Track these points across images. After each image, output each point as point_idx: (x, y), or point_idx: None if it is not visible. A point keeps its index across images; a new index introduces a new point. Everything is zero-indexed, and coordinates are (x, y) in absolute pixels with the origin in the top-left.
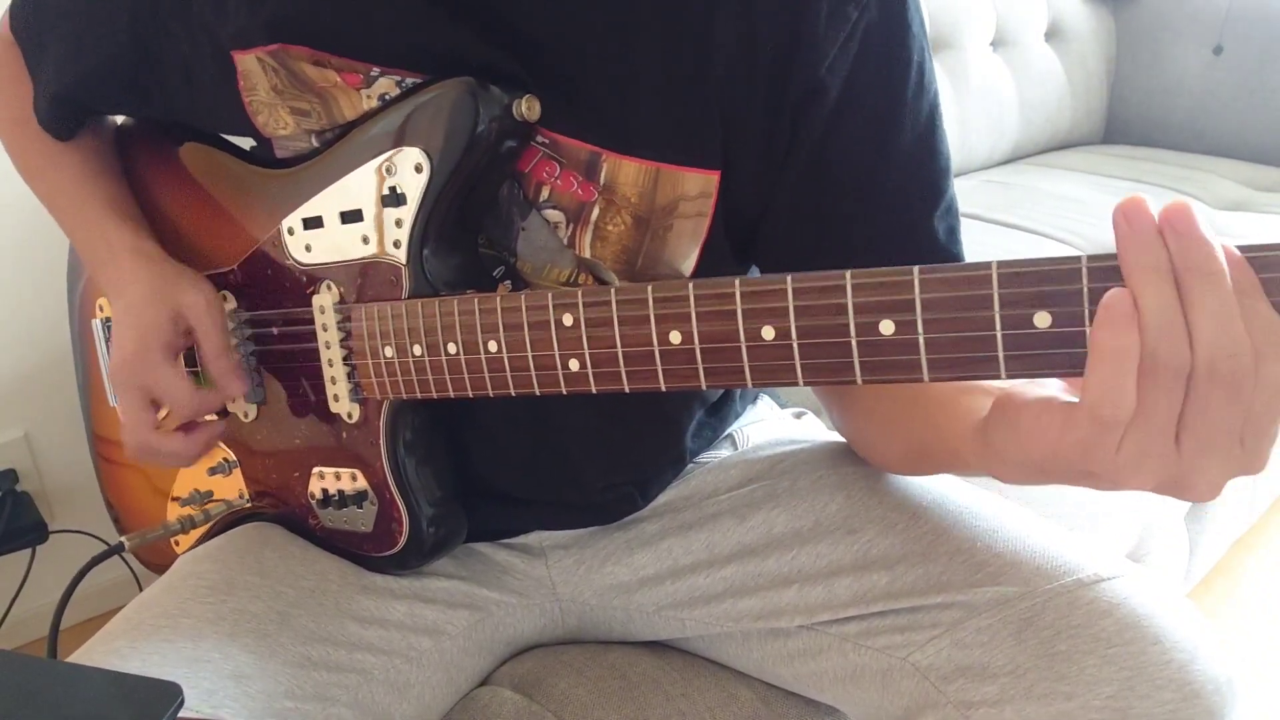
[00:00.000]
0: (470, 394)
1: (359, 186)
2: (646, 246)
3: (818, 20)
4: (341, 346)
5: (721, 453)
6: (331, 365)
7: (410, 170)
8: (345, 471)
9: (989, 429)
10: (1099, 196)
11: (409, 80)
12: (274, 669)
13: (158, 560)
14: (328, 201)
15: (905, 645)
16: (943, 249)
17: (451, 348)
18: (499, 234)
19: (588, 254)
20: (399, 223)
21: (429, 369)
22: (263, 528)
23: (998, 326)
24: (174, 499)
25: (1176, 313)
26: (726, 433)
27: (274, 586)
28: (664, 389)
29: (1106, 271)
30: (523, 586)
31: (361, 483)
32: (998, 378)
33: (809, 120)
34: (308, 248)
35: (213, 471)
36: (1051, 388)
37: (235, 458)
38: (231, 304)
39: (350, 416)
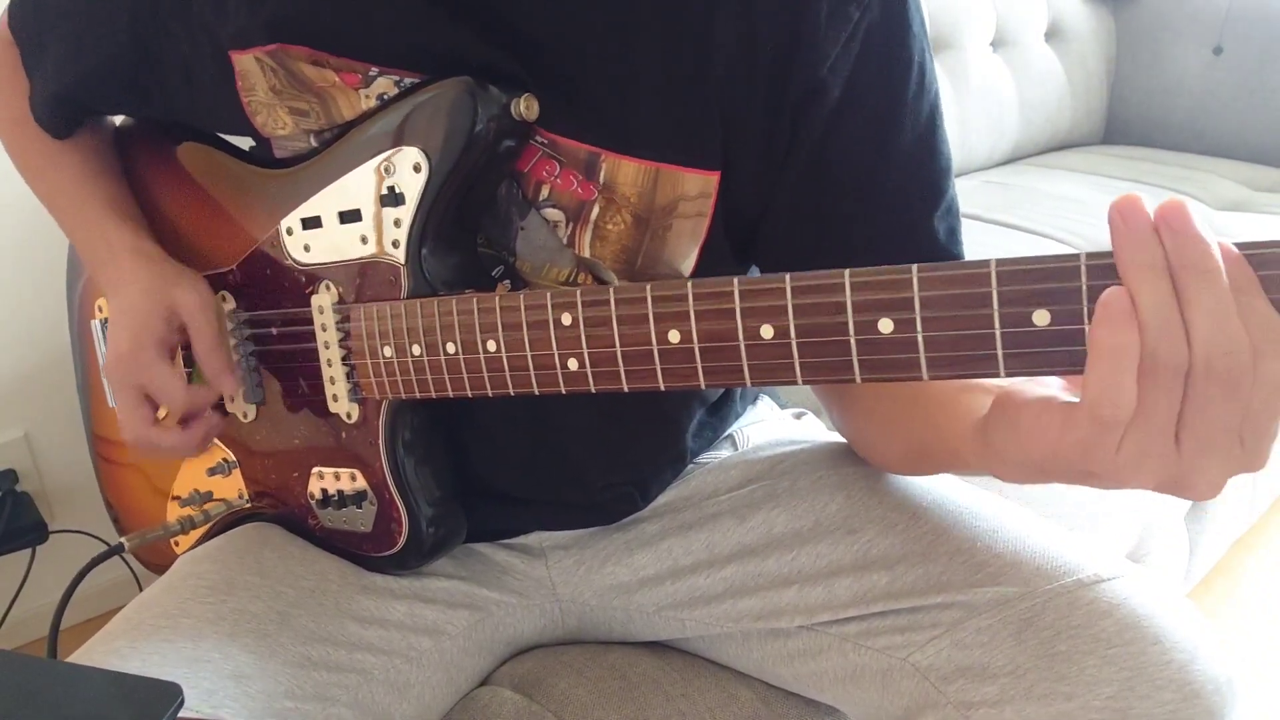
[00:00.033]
0: (469, 394)
1: (357, 186)
2: (646, 246)
3: (818, 20)
4: (340, 346)
5: (721, 453)
6: (330, 365)
7: (409, 170)
8: (344, 471)
9: (989, 428)
10: (1099, 197)
11: (407, 80)
12: (274, 669)
13: (158, 560)
14: (326, 201)
15: (905, 645)
16: (943, 249)
17: (450, 347)
18: (498, 233)
19: (587, 253)
20: (398, 222)
21: (428, 369)
22: (262, 528)
23: (997, 325)
24: (174, 499)
25: (1174, 310)
26: (726, 433)
27: (274, 586)
28: (663, 388)
29: (1105, 269)
30: (523, 587)
31: (361, 483)
32: (997, 376)
33: (809, 120)
34: (306, 248)
35: (212, 472)
36: (1051, 386)
37: (235, 458)
38: (230, 304)
39: (349, 416)
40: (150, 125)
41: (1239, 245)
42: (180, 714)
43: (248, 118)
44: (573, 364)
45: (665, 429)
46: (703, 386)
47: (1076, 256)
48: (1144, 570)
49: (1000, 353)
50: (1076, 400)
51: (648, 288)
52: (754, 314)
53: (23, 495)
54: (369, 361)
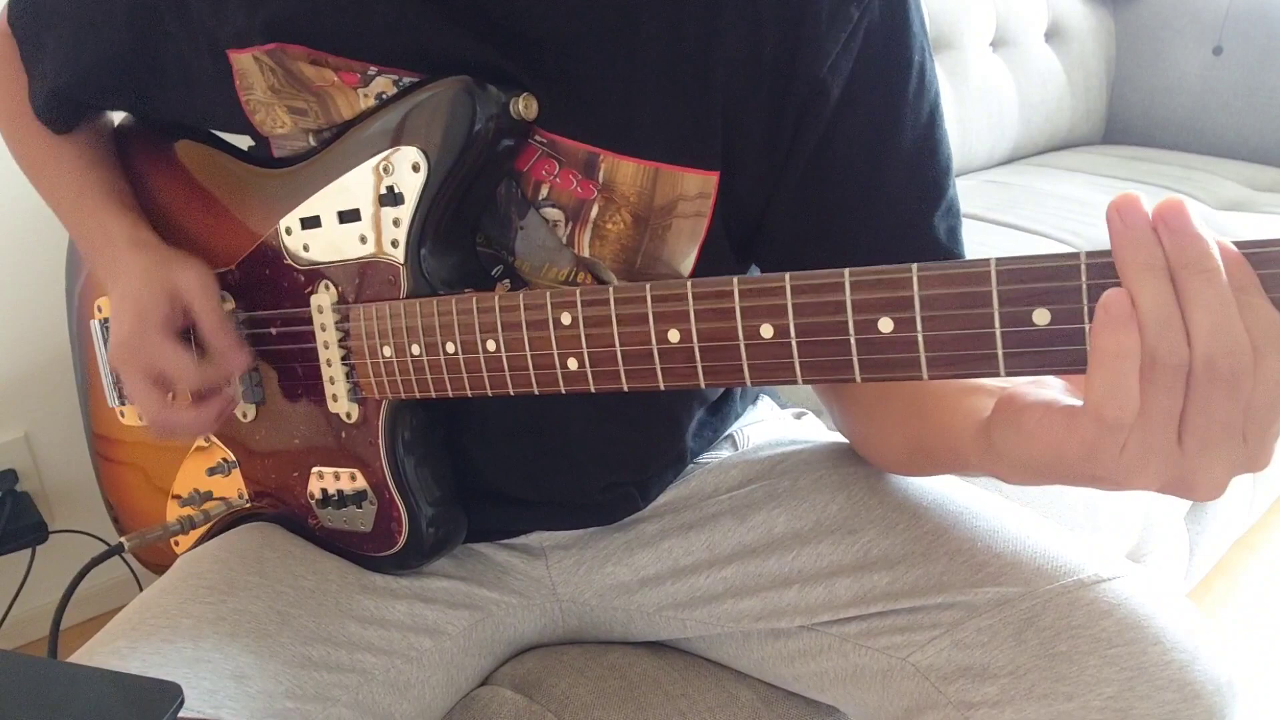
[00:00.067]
0: (469, 393)
1: (356, 186)
2: (645, 245)
3: (819, 20)
4: (340, 346)
5: (722, 453)
6: (330, 365)
7: (408, 169)
8: (344, 471)
9: (991, 430)
10: (1099, 197)
11: (406, 79)
12: (274, 669)
13: (157, 560)
14: (325, 201)
15: (906, 645)
16: (944, 249)
17: (450, 347)
18: (497, 233)
19: (586, 253)
20: (397, 222)
21: (427, 368)
22: (262, 528)
23: (997, 324)
24: (174, 498)
25: (1173, 310)
26: (727, 433)
27: (274, 586)
28: (663, 388)
29: (1105, 268)
30: (523, 587)
31: (361, 482)
32: (997, 375)
33: (811, 120)
34: (305, 247)
35: (212, 472)
36: (1052, 388)
37: (234, 458)
38: (230, 304)
39: (349, 416)
40: (149, 125)
41: (1239, 244)
42: (180, 714)
43: (246, 116)
44: (572, 364)
45: (665, 429)
46: (703, 386)
47: (1076, 255)
48: (1144, 570)
49: (1000, 352)
50: (1079, 403)
51: (647, 287)
52: (754, 313)
53: (23, 495)
54: (368, 361)
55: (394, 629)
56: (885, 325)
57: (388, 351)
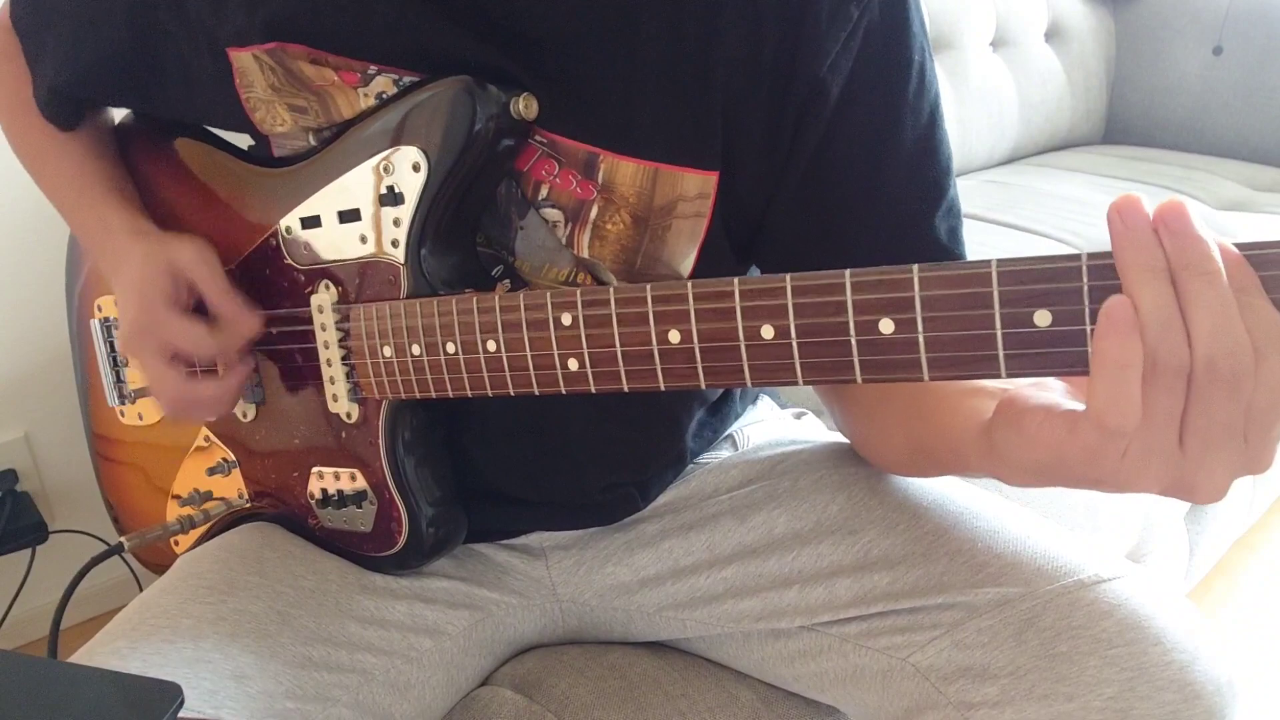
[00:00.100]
0: (469, 394)
1: (357, 185)
2: (645, 246)
3: (819, 19)
4: (340, 346)
5: (722, 453)
6: (330, 365)
7: (408, 169)
8: (344, 471)
9: (993, 432)
10: (1099, 197)
11: (406, 79)
12: (275, 669)
13: (157, 560)
14: (326, 201)
15: (906, 646)
16: (944, 249)
17: (450, 347)
18: (497, 233)
19: (586, 253)
20: (397, 222)
21: (428, 369)
22: (263, 528)
23: (998, 325)
24: (173, 498)
25: (1174, 311)
26: (727, 433)
27: (274, 586)
28: (663, 388)
29: (1107, 269)
30: (523, 587)
31: (361, 483)
32: (998, 376)
33: (811, 120)
34: (306, 247)
35: (212, 471)
36: (1054, 390)
37: (234, 457)
38: None
39: (349, 416)
40: (150, 124)
41: (1240, 245)
42: (180, 714)
43: (246, 114)
44: (573, 364)
45: (666, 429)
46: (703, 387)
47: (1078, 257)
48: (1144, 570)
49: (1001, 353)
50: (1080, 407)
51: (648, 288)
52: (754, 314)
53: (23, 495)
54: (369, 361)
55: (394, 629)
56: (886, 326)
57: (388, 351)
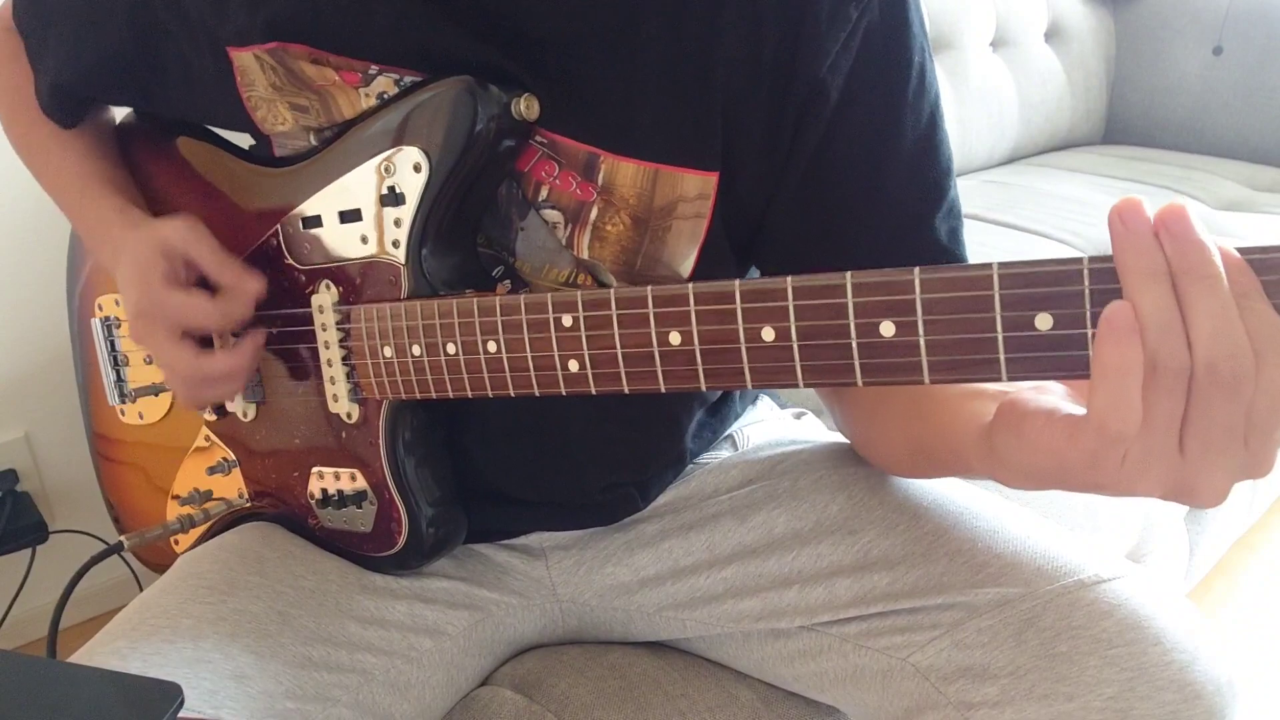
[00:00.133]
0: (469, 394)
1: (358, 186)
2: (645, 247)
3: (819, 20)
4: (340, 346)
5: (722, 453)
6: (330, 365)
7: (409, 170)
8: (344, 471)
9: (993, 435)
10: (1099, 197)
11: (407, 79)
12: (275, 669)
13: (158, 560)
14: (327, 201)
15: (906, 646)
16: (945, 250)
17: (450, 348)
18: (498, 233)
19: (586, 254)
20: (398, 222)
21: (428, 369)
22: (263, 528)
23: (999, 328)
24: (173, 497)
25: (1174, 315)
26: (727, 433)
27: (274, 586)
28: (664, 390)
29: (1108, 273)
30: (523, 587)
31: (361, 483)
32: (999, 380)
33: (811, 120)
34: (307, 247)
35: (212, 471)
36: (1054, 394)
37: (234, 457)
38: None
39: (349, 417)
40: (151, 122)
41: (1242, 250)
42: (180, 714)
43: (248, 114)
44: (573, 365)
45: (666, 430)
46: (703, 389)
47: (1079, 261)
48: (1144, 570)
49: (1002, 357)
50: (1081, 411)
51: (648, 290)
52: (755, 316)
53: (23, 495)
54: (369, 361)
55: (394, 629)
56: (887, 329)
57: (388, 352)
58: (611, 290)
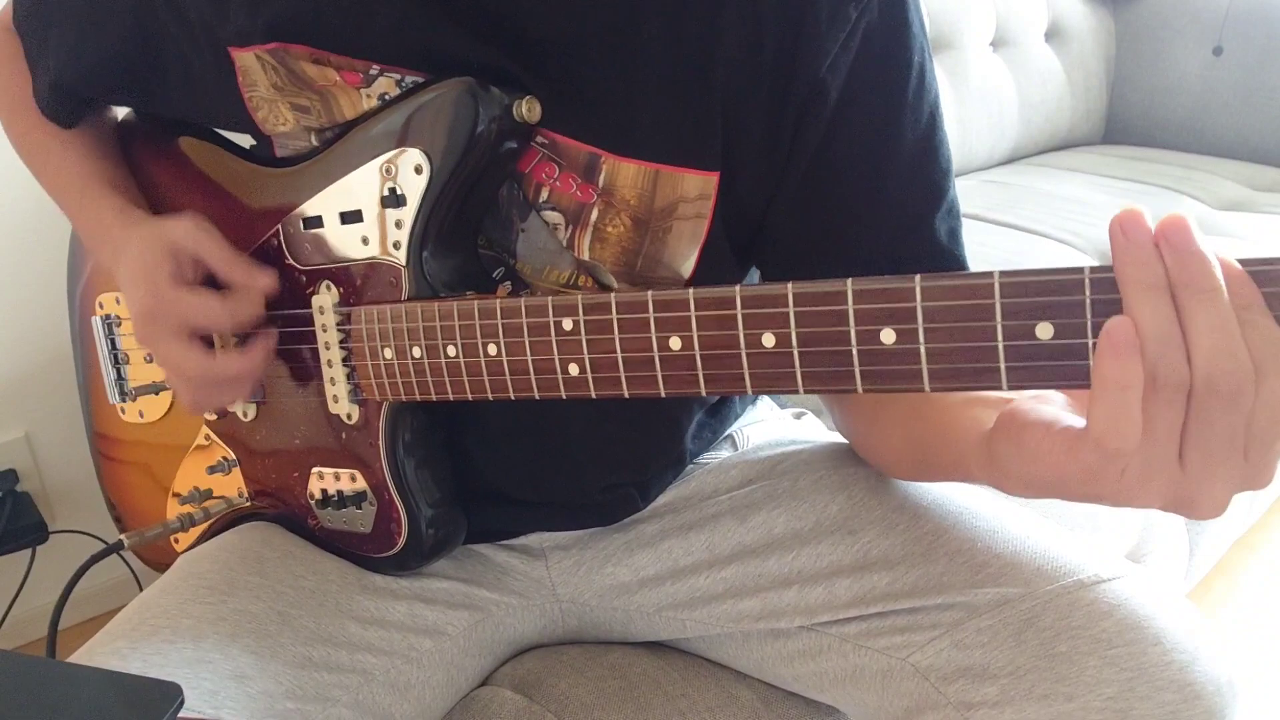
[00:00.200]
0: (469, 397)
1: (359, 187)
2: (646, 248)
3: (819, 20)
4: (341, 347)
5: (721, 453)
6: (331, 366)
7: (410, 171)
8: (344, 472)
9: (993, 444)
10: (1099, 197)
11: (409, 79)
12: (275, 670)
13: (158, 559)
14: (328, 201)
15: (905, 646)
16: (944, 250)
17: (451, 350)
18: (499, 235)
19: (586, 256)
20: (399, 224)
21: (428, 371)
22: (262, 528)
23: (999, 337)
24: (174, 496)
25: (1174, 328)
26: (726, 433)
27: (274, 587)
28: (664, 395)
29: (1109, 283)
30: (523, 587)
31: (360, 483)
32: (999, 389)
33: (811, 120)
34: (307, 247)
35: (212, 470)
36: (1055, 403)
37: (234, 456)
38: None
39: (349, 417)
40: (152, 123)
41: (1244, 261)
42: (180, 714)
43: (249, 114)
44: (573, 369)
45: (666, 430)
46: (704, 394)
47: (1080, 270)
48: (1144, 570)
49: (1003, 366)
50: (1080, 422)
51: (649, 295)
52: (756, 322)
53: (23, 495)
54: (369, 363)
55: (394, 629)
56: (887, 336)
57: (389, 353)
58: (612, 294)
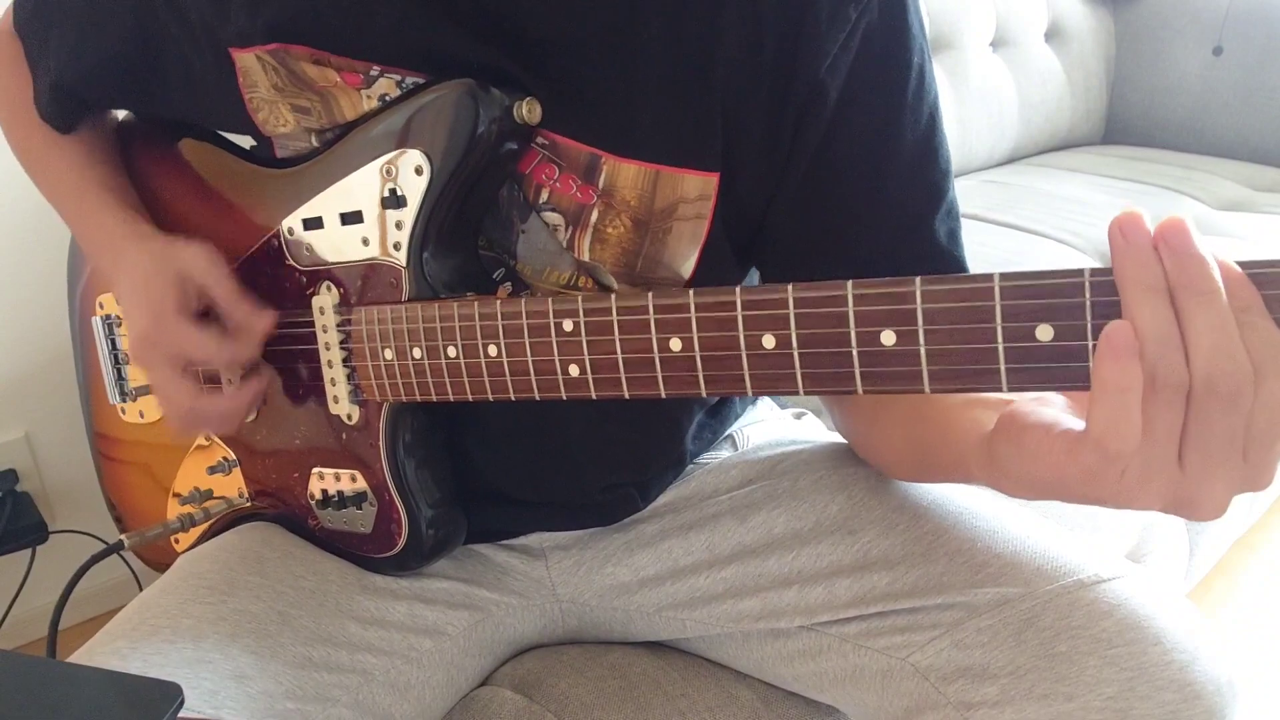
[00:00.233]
0: (470, 397)
1: (359, 188)
2: (646, 249)
3: (819, 20)
4: (341, 348)
5: (721, 453)
6: (331, 366)
7: (411, 172)
8: (345, 473)
9: (993, 445)
10: (1099, 197)
11: (409, 80)
12: (275, 670)
13: (158, 559)
14: (328, 202)
15: (905, 646)
16: (944, 251)
17: (451, 351)
18: (499, 236)
19: (586, 257)
20: (399, 225)
21: (428, 372)
22: (263, 528)
23: (999, 339)
24: (174, 496)
25: (1173, 330)
26: (726, 433)
27: (274, 587)
28: (664, 396)
29: (1109, 285)
30: (523, 587)
31: (361, 484)
32: (1000, 391)
33: (811, 121)
34: (308, 248)
35: (212, 470)
36: (1055, 405)
37: (235, 457)
38: None
39: (350, 418)
40: (151, 124)
41: (1243, 264)
42: (181, 714)
43: (249, 115)
44: (574, 370)
45: (666, 431)
46: (704, 395)
47: (1080, 272)
48: (1144, 570)
49: (1003, 367)
50: (1080, 424)
51: (649, 297)
52: (756, 324)
53: (23, 495)
54: (370, 363)
55: (394, 630)
56: (888, 338)
57: (389, 354)
58: (612, 296)
